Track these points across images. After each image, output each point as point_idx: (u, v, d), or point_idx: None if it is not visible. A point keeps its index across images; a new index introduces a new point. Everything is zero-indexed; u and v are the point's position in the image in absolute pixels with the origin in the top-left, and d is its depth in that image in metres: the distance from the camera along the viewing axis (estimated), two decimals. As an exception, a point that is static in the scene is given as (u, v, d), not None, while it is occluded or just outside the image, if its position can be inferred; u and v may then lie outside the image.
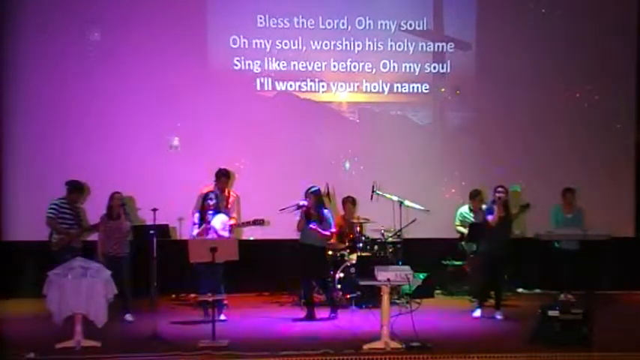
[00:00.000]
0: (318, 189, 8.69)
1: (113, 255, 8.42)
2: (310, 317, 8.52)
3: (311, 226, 8.52)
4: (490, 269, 8.71)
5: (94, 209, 9.14)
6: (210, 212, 8.38)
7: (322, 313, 8.63)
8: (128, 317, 8.44)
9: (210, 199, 8.41)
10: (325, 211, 8.70)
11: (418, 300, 8.56)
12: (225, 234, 8.37)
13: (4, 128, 9.99)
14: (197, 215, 8.50)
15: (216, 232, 8.33)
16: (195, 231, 8.43)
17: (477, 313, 8.68)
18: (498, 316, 8.56)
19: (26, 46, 9.94)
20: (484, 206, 9.04)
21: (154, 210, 8.08)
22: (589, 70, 10.62)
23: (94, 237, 9.04)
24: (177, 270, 8.85)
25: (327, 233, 8.65)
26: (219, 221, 8.39)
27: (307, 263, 8.65)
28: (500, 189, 8.63)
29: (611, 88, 10.66)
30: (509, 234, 8.76)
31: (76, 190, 8.77)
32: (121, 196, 8.61)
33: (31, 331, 7.78)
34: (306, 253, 8.62)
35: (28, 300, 9.02)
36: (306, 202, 8.60)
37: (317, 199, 8.63)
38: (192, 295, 9.45)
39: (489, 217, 8.61)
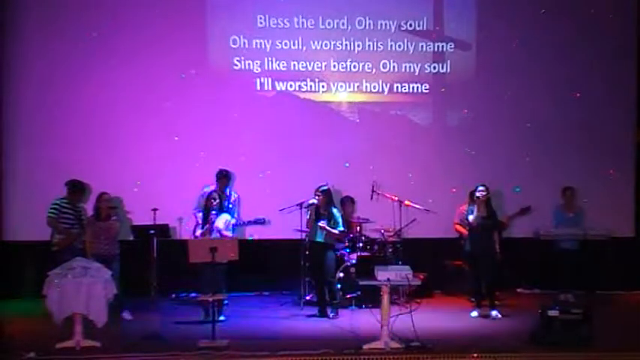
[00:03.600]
0: (328, 188, 8.77)
1: (104, 255, 8.38)
2: (323, 314, 8.57)
3: (319, 223, 8.59)
4: (476, 269, 8.77)
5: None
6: (214, 212, 8.38)
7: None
8: (126, 315, 8.46)
9: (214, 198, 8.42)
10: (334, 210, 8.75)
11: (418, 300, 8.56)
12: (229, 234, 8.36)
13: (4, 128, 9.98)
14: (200, 215, 8.50)
15: (219, 232, 8.33)
16: (199, 231, 8.43)
17: (475, 313, 8.70)
18: (494, 315, 8.57)
19: (27, 46, 9.93)
20: (466, 206, 9.07)
21: (154, 210, 8.08)
22: (589, 70, 10.61)
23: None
24: (177, 270, 8.84)
25: (336, 232, 8.69)
26: (222, 221, 8.39)
27: (315, 261, 8.74)
28: (480, 188, 8.69)
29: (611, 88, 10.65)
30: (494, 233, 8.78)
31: (77, 190, 8.78)
32: (109, 196, 8.63)
33: (31, 331, 7.79)
34: (315, 250, 8.73)
35: (28, 300, 9.03)
36: (316, 201, 8.64)
37: (327, 198, 8.71)
38: (193, 295, 9.45)
39: (469, 217, 8.72)
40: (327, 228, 8.64)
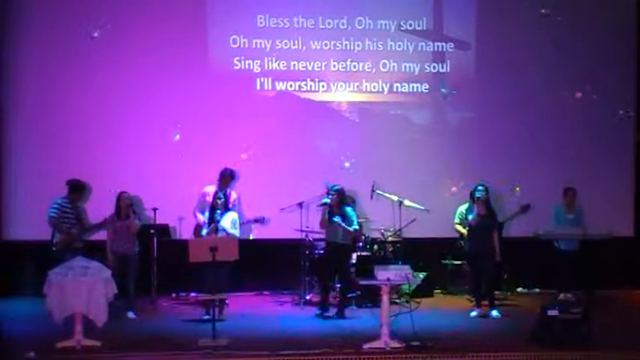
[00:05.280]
0: (342, 187, 8.76)
1: (123, 253, 8.50)
2: (324, 315, 8.55)
3: (335, 219, 8.56)
4: (476, 268, 8.78)
5: (94, 209, 9.17)
6: (219, 211, 8.38)
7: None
8: (130, 315, 8.47)
9: (219, 198, 8.43)
10: (348, 208, 8.75)
11: (418, 300, 8.56)
12: (236, 232, 8.36)
13: (4, 127, 9.99)
14: (206, 215, 8.50)
15: (225, 230, 8.33)
16: (205, 230, 8.43)
17: (474, 313, 8.70)
18: (494, 315, 8.58)
19: (27, 45, 9.94)
20: (466, 206, 9.07)
21: (154, 210, 8.09)
22: (589, 70, 10.61)
23: (95, 236, 9.07)
24: (177, 269, 8.85)
25: (351, 230, 8.68)
26: (229, 220, 8.39)
27: (332, 261, 8.71)
28: (479, 188, 8.70)
29: (611, 88, 10.65)
30: (493, 232, 8.78)
31: (77, 189, 8.79)
32: (128, 195, 8.67)
33: (31, 331, 7.78)
34: (334, 251, 8.70)
35: (28, 300, 9.02)
36: (329, 200, 8.65)
37: (340, 197, 8.69)
38: (193, 294, 9.46)
39: (469, 217, 8.72)
40: (343, 225, 8.59)
